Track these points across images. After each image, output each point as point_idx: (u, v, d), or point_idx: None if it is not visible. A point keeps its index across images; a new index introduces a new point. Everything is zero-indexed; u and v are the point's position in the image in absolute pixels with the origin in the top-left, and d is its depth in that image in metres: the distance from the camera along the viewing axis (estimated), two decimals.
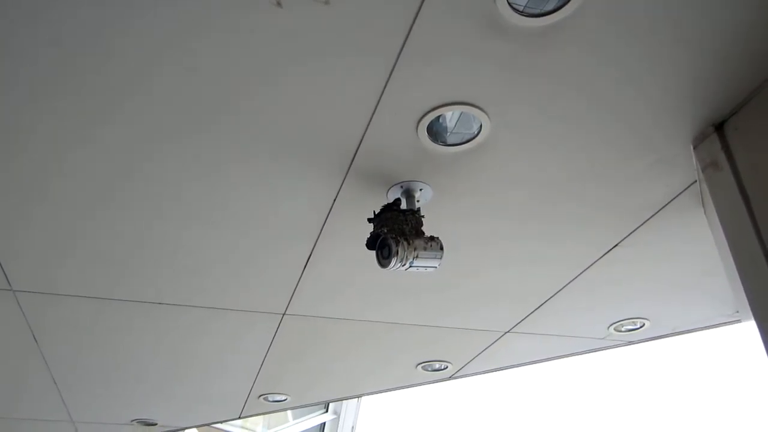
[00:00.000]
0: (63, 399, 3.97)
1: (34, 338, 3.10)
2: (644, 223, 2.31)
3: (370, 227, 2.07)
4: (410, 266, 1.97)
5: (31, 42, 1.53)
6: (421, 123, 1.79)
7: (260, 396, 4.07)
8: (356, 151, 1.91)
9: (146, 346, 3.31)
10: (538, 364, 3.79)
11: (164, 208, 2.19)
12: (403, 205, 2.07)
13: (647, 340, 3.42)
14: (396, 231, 1.97)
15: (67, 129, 1.81)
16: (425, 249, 1.97)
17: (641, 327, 3.21)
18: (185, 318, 2.98)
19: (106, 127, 1.80)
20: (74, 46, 1.54)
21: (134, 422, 4.53)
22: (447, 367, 3.72)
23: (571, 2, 1.43)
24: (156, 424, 4.62)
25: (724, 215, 1.81)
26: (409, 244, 1.94)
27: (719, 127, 1.82)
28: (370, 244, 2.04)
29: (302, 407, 6.44)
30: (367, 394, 4.39)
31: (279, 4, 1.42)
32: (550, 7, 1.45)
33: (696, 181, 2.06)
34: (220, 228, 2.31)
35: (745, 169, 1.74)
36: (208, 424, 5.05)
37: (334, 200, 2.15)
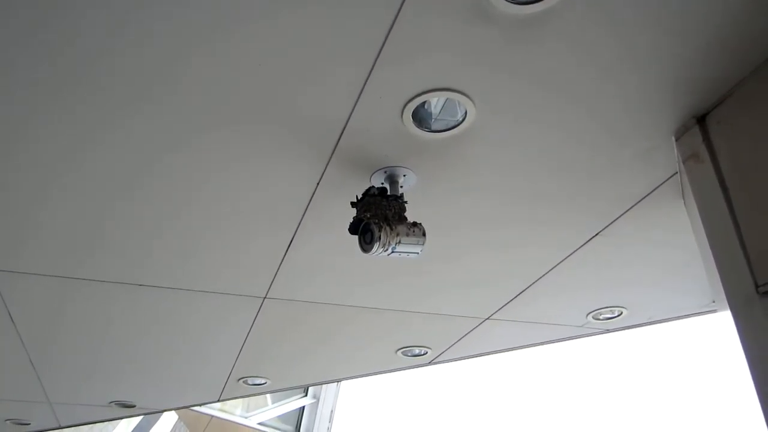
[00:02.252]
0: (40, 380, 3.94)
1: (11, 318, 3.06)
2: (625, 212, 2.33)
3: (353, 212, 2.07)
4: (392, 252, 1.97)
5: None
6: (406, 108, 1.79)
7: (240, 379, 4.08)
8: (341, 134, 1.90)
9: (125, 327, 3.28)
10: (517, 350, 3.83)
11: (143, 189, 2.16)
12: (387, 190, 2.07)
13: (625, 329, 3.46)
14: (379, 216, 1.97)
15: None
16: (408, 235, 1.97)
17: (619, 315, 3.26)
18: (165, 300, 2.96)
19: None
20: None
21: (112, 404, 4.52)
22: (426, 352, 3.74)
23: None
24: (134, 406, 4.61)
25: (704, 207, 1.83)
26: (391, 229, 1.94)
27: (701, 120, 1.84)
28: (353, 228, 2.04)
29: (282, 391, 6.47)
30: (347, 378, 4.41)
31: None
32: None
33: (677, 172, 2.08)
34: (201, 209, 2.29)
35: (726, 161, 1.76)
36: (187, 407, 5.05)
37: (318, 184, 2.14)
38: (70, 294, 2.87)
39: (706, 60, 1.68)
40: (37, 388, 4.09)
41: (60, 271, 2.67)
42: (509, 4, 1.46)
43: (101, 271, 2.69)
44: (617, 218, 2.37)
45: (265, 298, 2.97)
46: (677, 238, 2.46)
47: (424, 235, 2.02)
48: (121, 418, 4.87)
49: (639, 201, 2.26)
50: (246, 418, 8.25)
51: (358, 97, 1.76)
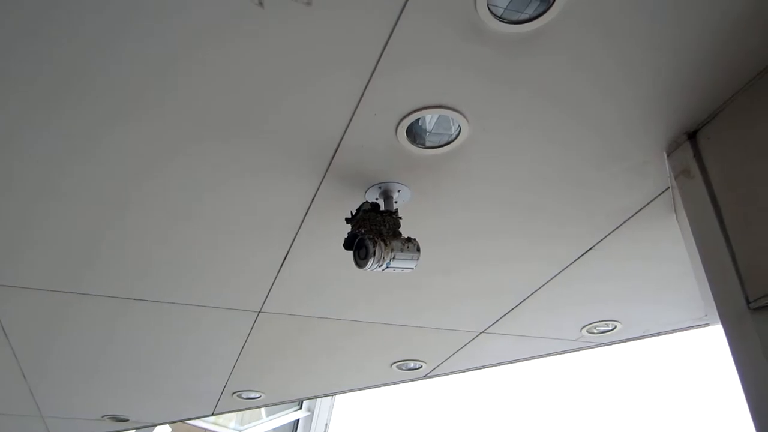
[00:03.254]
0: (32, 393, 3.91)
1: (4, 331, 3.05)
2: (618, 227, 2.35)
3: (348, 227, 2.08)
4: (387, 267, 1.98)
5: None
6: (400, 125, 1.80)
7: (234, 393, 4.06)
8: (335, 151, 1.91)
9: (119, 341, 3.27)
10: (512, 364, 3.83)
11: (136, 205, 2.16)
12: (382, 206, 2.08)
13: (619, 342, 3.47)
14: (373, 232, 1.98)
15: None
16: (402, 250, 1.98)
17: (613, 329, 3.27)
18: (159, 314, 2.95)
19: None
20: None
21: (105, 418, 4.49)
22: (421, 366, 3.74)
23: (549, 11, 1.46)
24: (127, 420, 4.57)
25: (695, 221, 1.85)
26: (386, 245, 1.95)
27: (692, 136, 1.86)
28: (348, 244, 2.05)
29: (276, 405, 6.43)
30: (342, 392, 4.39)
31: (261, 3, 1.41)
32: (528, 15, 1.47)
33: (669, 187, 2.10)
34: (196, 224, 2.29)
35: (716, 176, 1.78)
36: (181, 420, 5.02)
37: (312, 199, 2.15)
38: (63, 308, 2.85)
39: (697, 77, 1.70)
40: (30, 402, 4.06)
41: (54, 286, 2.67)
42: (502, 23, 1.48)
43: (95, 286, 2.68)
44: (611, 232, 2.38)
45: (259, 312, 2.96)
46: (671, 252, 2.48)
47: (418, 250, 2.03)
48: None
49: (632, 215, 2.28)
50: (240, 431, 8.20)
51: (353, 114, 1.77)
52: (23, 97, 1.69)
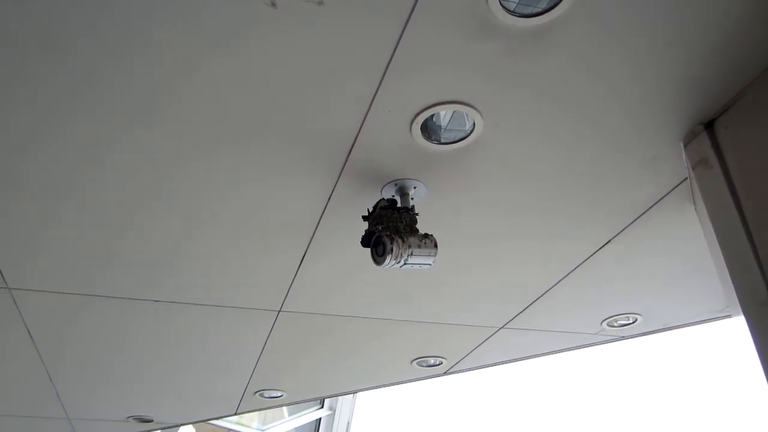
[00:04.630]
0: (59, 396, 3.97)
1: (30, 336, 3.10)
2: (636, 220, 2.33)
3: (365, 225, 2.09)
4: (405, 264, 1.99)
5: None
6: (415, 121, 1.81)
7: (256, 392, 4.09)
8: (350, 149, 1.93)
9: (142, 343, 3.32)
10: (533, 359, 3.82)
11: (158, 207, 2.20)
12: (398, 203, 2.09)
13: (640, 335, 3.45)
14: (390, 228, 1.99)
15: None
16: (420, 246, 1.99)
17: (634, 322, 3.24)
18: (182, 315, 2.99)
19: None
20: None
21: (130, 419, 4.54)
22: (442, 362, 3.74)
23: (560, 5, 1.45)
24: (152, 421, 4.63)
25: (714, 212, 1.83)
26: (403, 241, 1.96)
27: (709, 126, 1.84)
28: (365, 241, 2.06)
29: (298, 403, 6.47)
30: (363, 390, 4.41)
31: (273, 4, 1.43)
32: (539, 8, 1.47)
33: (686, 178, 2.09)
34: (215, 225, 2.32)
35: (735, 166, 1.76)
36: (204, 420, 5.07)
37: (329, 198, 2.17)
38: (86, 311, 2.90)
39: (712, 66, 1.69)
40: (57, 405, 4.13)
41: (77, 289, 2.71)
42: (513, 17, 1.49)
43: (117, 288, 2.73)
44: (629, 225, 2.37)
45: (279, 311, 2.99)
46: (689, 244, 2.46)
47: (435, 246, 2.03)
48: None
49: (650, 207, 2.26)
50: (262, 431, 8.25)
51: (367, 112, 1.78)
52: (41, 100, 1.72)
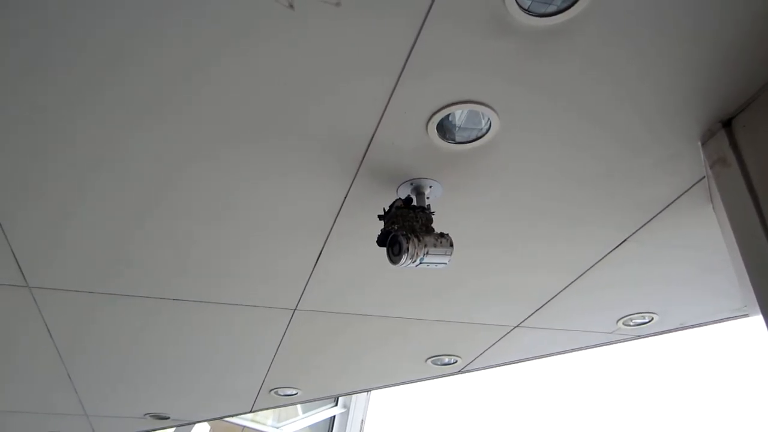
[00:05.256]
0: (77, 393, 4.03)
1: (50, 334, 3.15)
2: (653, 218, 2.32)
3: (381, 224, 2.10)
4: (420, 263, 1.99)
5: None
6: (431, 121, 1.81)
7: (271, 390, 4.12)
8: (367, 148, 1.94)
9: (160, 341, 3.35)
10: (547, 358, 3.81)
11: (177, 205, 2.22)
12: (414, 202, 2.09)
13: (656, 334, 3.43)
14: (406, 228, 1.99)
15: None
16: (435, 245, 1.99)
17: (650, 321, 3.23)
18: (197, 314, 3.02)
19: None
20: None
21: (147, 416, 4.59)
22: (456, 361, 3.75)
23: (577, 4, 1.45)
24: (168, 418, 4.67)
25: (732, 211, 1.82)
26: (419, 240, 1.96)
27: (727, 124, 1.83)
28: (381, 240, 2.06)
29: (312, 401, 6.50)
30: (377, 388, 4.42)
31: (291, 6, 1.44)
32: (556, 7, 1.47)
33: (704, 177, 2.07)
34: (231, 224, 2.34)
35: (753, 165, 1.75)
36: (219, 418, 5.11)
37: (345, 197, 2.18)
38: (103, 309, 2.94)
39: (730, 64, 1.67)
40: (75, 402, 4.18)
41: (94, 288, 2.74)
42: (529, 16, 1.49)
43: (135, 287, 2.76)
44: (645, 223, 2.36)
45: (295, 309, 3.01)
46: (707, 242, 2.44)
47: (451, 245, 2.04)
48: (156, 430, 4.94)
49: (667, 206, 2.25)
50: (277, 428, 8.30)
51: (384, 112, 1.79)
52: (55, 102, 1.75)
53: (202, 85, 1.71)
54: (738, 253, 1.80)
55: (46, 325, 3.05)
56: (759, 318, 1.72)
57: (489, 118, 1.82)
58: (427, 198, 2.11)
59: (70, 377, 3.75)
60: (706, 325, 3.27)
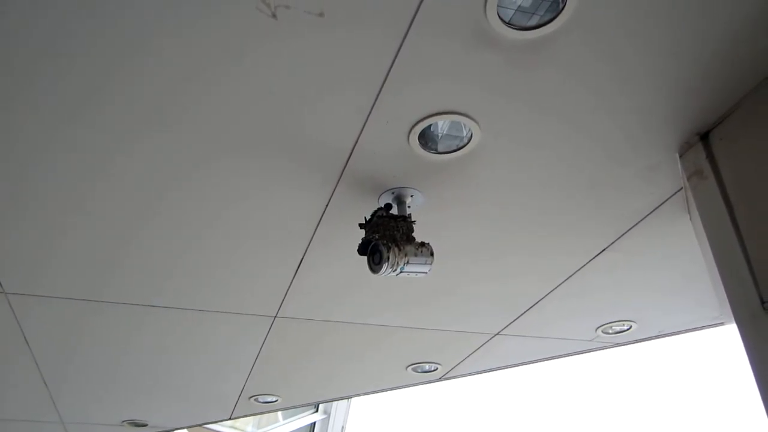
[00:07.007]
0: (53, 400, 3.97)
1: (25, 340, 3.10)
2: (631, 228, 2.35)
3: (362, 233, 2.10)
4: (401, 272, 2.00)
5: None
6: (412, 131, 1.82)
7: (251, 397, 4.09)
8: (348, 158, 1.94)
9: (137, 348, 3.31)
10: (528, 365, 3.83)
11: (156, 212, 2.20)
12: (395, 211, 2.09)
13: (634, 342, 3.46)
14: (387, 237, 2.00)
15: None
16: (416, 255, 2.00)
17: (628, 329, 3.26)
18: (176, 320, 2.99)
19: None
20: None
21: (125, 423, 4.53)
22: (437, 368, 3.75)
23: (558, 18, 1.47)
24: (146, 425, 4.62)
25: (709, 222, 1.85)
26: (400, 249, 1.97)
27: (704, 137, 1.86)
28: (362, 249, 2.07)
29: (293, 408, 6.47)
30: (358, 395, 4.41)
31: (274, 16, 1.44)
32: (537, 21, 1.49)
33: (682, 188, 2.10)
34: (212, 232, 2.32)
35: (729, 177, 1.78)
36: (199, 425, 5.06)
37: (326, 205, 2.17)
38: (83, 315, 2.90)
39: (708, 79, 1.70)
40: (50, 409, 4.12)
41: (74, 294, 2.71)
42: (511, 29, 1.50)
43: (115, 294, 2.73)
44: (624, 234, 2.38)
45: (275, 317, 2.99)
46: (684, 252, 2.48)
47: (432, 254, 2.04)
48: None
49: (645, 217, 2.28)
50: None
51: (365, 123, 1.79)
52: (48, 110, 1.73)
53: (190, 100, 1.70)
54: (714, 263, 1.83)
55: (21, 331, 3.01)
56: (733, 326, 1.74)
57: (470, 129, 1.83)
58: (409, 207, 2.12)
59: (46, 384, 3.69)
60: (683, 333, 3.32)
